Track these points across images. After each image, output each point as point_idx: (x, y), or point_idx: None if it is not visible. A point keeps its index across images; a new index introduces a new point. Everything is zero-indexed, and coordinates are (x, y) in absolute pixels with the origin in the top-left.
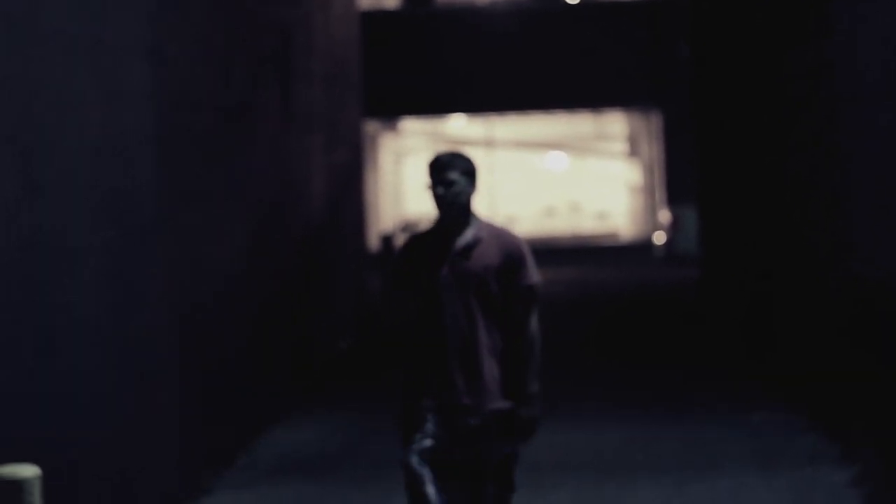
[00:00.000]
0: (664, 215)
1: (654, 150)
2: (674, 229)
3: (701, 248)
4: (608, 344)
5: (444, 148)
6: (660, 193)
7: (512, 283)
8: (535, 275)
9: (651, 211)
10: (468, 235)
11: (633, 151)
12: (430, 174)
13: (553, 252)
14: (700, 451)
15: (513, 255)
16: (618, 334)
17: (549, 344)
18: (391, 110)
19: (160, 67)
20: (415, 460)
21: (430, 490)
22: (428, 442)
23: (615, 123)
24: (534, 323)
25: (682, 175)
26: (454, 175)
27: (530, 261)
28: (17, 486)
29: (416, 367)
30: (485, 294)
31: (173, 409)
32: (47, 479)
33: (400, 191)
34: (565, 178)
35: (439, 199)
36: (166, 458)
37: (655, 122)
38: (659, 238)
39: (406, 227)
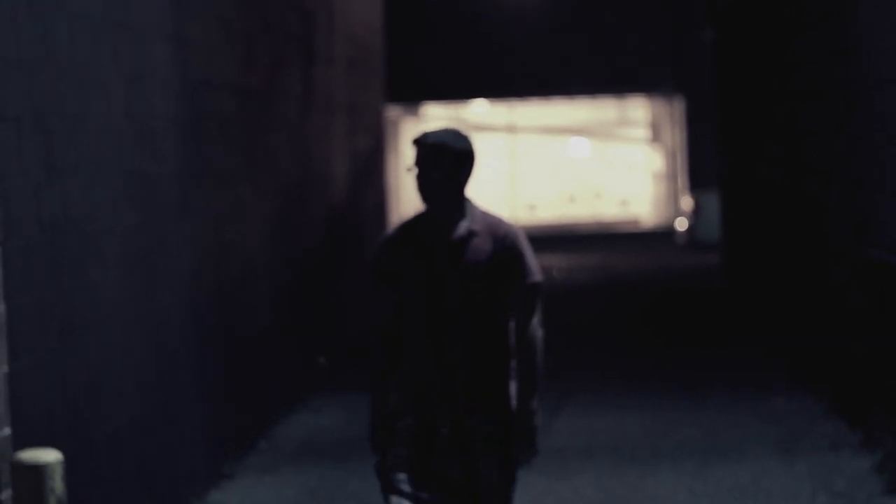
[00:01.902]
0: (686, 201)
1: (676, 136)
2: (696, 215)
3: (723, 234)
4: (631, 330)
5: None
6: (682, 179)
7: (510, 282)
8: (536, 272)
9: (673, 197)
10: (461, 228)
11: (656, 137)
12: (414, 156)
13: (575, 238)
14: (721, 436)
15: (511, 250)
16: (640, 320)
17: (572, 330)
18: (413, 95)
19: (183, 50)
20: None
21: None
22: (405, 486)
23: (637, 109)
24: (535, 326)
25: (704, 161)
26: (441, 160)
27: (530, 256)
28: (40, 470)
29: (400, 376)
30: (479, 294)
31: (196, 393)
32: (69, 463)
33: None
34: (587, 164)
35: (422, 188)
36: (188, 443)
37: (678, 107)
38: (681, 224)
39: None
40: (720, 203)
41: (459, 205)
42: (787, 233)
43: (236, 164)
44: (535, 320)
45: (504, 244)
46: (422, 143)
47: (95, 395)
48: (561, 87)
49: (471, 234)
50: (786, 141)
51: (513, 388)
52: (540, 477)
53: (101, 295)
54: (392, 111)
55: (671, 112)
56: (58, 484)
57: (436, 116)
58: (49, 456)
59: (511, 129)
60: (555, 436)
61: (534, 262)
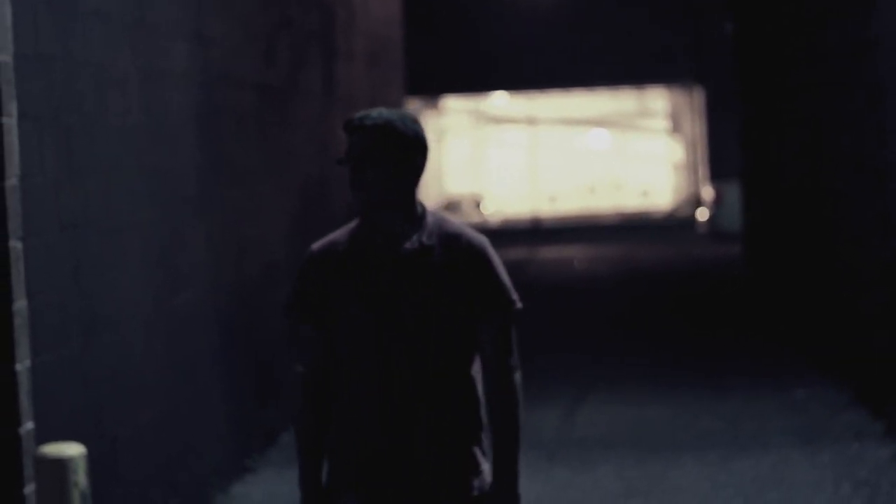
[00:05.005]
0: (707, 192)
1: (696, 126)
2: (716, 206)
3: (745, 224)
4: (652, 321)
5: (485, 126)
6: (702, 170)
7: (478, 310)
8: (511, 295)
9: (694, 187)
10: (412, 241)
11: (676, 128)
12: (349, 145)
13: (596, 230)
14: (744, 427)
15: (477, 267)
16: (662, 311)
17: (594, 321)
18: (433, 88)
19: (202, 47)
20: None
21: None
22: None
23: (657, 100)
24: (512, 367)
25: (724, 151)
26: (385, 149)
27: (503, 274)
28: (63, 464)
29: (334, 440)
30: (437, 328)
31: (218, 388)
32: (92, 458)
33: (441, 170)
34: (608, 156)
35: (358, 189)
36: (210, 438)
37: (697, 98)
38: (702, 214)
39: (449, 205)
40: (741, 193)
41: (409, 210)
42: (810, 224)
43: (256, 160)
44: (512, 360)
45: (468, 260)
46: (358, 126)
47: (118, 390)
48: (580, 79)
49: (424, 249)
50: (808, 132)
51: (482, 450)
52: (561, 469)
53: (121, 291)
54: (412, 104)
55: (691, 102)
56: (81, 478)
57: (455, 109)
58: (72, 450)
59: (531, 121)
60: (576, 427)
61: (508, 282)
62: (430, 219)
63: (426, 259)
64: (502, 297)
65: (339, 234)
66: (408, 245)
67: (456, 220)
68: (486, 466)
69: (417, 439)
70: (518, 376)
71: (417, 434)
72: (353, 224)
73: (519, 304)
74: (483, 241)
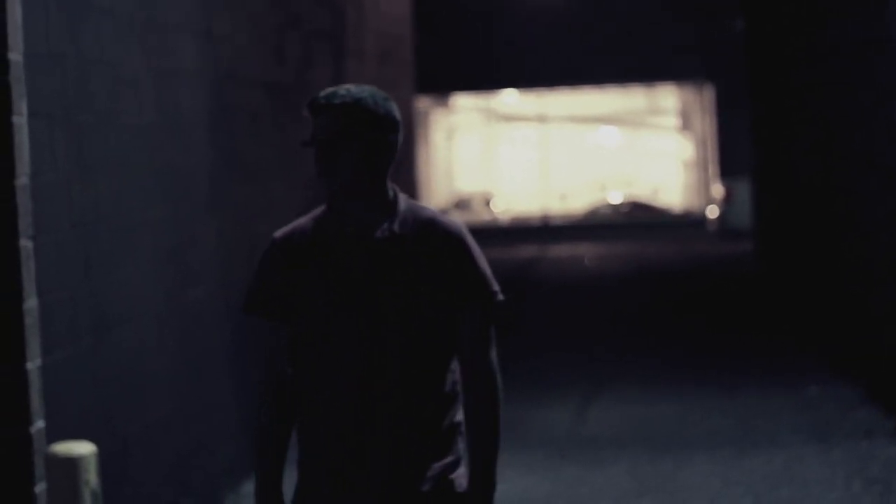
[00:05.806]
0: (717, 189)
1: (706, 123)
2: (727, 203)
3: (756, 222)
4: (663, 318)
5: (495, 124)
6: (713, 167)
7: (455, 302)
8: (492, 284)
9: (704, 185)
10: (382, 229)
11: (686, 125)
12: (314, 126)
13: (606, 227)
14: (755, 425)
15: (453, 256)
16: (672, 309)
17: (603, 321)
18: (443, 86)
19: (212, 45)
20: None
21: None
22: None
23: (667, 97)
24: (492, 363)
25: (734, 149)
26: (355, 130)
27: (481, 262)
28: (74, 463)
29: (302, 434)
30: (412, 322)
31: (228, 386)
32: (103, 457)
33: (452, 168)
34: (618, 153)
35: (326, 173)
36: (222, 435)
37: (708, 95)
38: (712, 212)
39: (459, 203)
40: (752, 191)
41: (382, 196)
42: (821, 221)
43: (266, 157)
44: (492, 355)
45: (444, 249)
46: (325, 105)
47: (129, 389)
48: (590, 76)
49: (396, 238)
50: (819, 130)
51: (459, 449)
52: (573, 466)
53: (132, 289)
54: (421, 102)
55: (701, 100)
56: (92, 476)
57: (465, 107)
58: (83, 448)
59: (541, 118)
60: (587, 425)
61: (488, 271)
62: (402, 205)
63: (399, 249)
64: (482, 288)
65: (303, 221)
66: (379, 234)
67: (430, 207)
68: (459, 470)
69: (391, 441)
70: (497, 371)
71: (391, 437)
72: (318, 211)
73: (500, 296)
74: (460, 227)
